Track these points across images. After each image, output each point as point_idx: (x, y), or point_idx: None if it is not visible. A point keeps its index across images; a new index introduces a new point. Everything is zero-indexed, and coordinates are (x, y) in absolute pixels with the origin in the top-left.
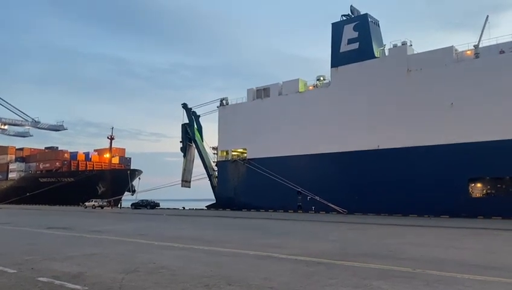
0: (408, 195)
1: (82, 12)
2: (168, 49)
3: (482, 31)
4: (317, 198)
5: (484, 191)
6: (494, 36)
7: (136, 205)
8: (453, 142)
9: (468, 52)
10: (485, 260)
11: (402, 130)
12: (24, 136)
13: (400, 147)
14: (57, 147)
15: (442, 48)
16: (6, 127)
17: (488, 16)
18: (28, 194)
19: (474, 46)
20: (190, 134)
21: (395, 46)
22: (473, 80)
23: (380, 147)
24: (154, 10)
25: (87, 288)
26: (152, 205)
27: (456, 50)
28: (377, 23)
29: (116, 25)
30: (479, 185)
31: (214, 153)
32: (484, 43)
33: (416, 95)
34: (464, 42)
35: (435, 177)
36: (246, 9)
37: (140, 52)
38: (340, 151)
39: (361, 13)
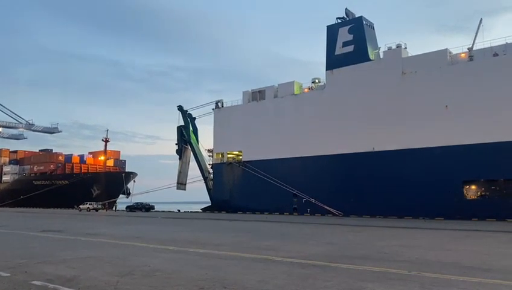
0: (403, 197)
1: (76, 15)
2: (162, 51)
3: (476, 34)
4: (313, 200)
5: (478, 193)
6: (488, 39)
7: (131, 208)
8: (448, 145)
9: (463, 54)
10: (479, 262)
11: (397, 133)
12: (18, 139)
13: (394, 149)
14: (52, 150)
15: (437, 51)
16: (0, 129)
17: (481, 19)
18: (22, 197)
19: (468, 49)
20: (186, 136)
21: (389, 48)
22: (467, 83)
23: (375, 149)
24: (148, 12)
25: None
26: (147, 207)
27: (450, 53)
28: (371, 26)
29: (110, 27)
30: (473, 187)
31: (210, 156)
32: (478, 46)
33: (411, 97)
34: (458, 45)
35: (429, 180)
36: (242, 12)
37: (134, 55)
38: (335, 153)
39: (356, 16)
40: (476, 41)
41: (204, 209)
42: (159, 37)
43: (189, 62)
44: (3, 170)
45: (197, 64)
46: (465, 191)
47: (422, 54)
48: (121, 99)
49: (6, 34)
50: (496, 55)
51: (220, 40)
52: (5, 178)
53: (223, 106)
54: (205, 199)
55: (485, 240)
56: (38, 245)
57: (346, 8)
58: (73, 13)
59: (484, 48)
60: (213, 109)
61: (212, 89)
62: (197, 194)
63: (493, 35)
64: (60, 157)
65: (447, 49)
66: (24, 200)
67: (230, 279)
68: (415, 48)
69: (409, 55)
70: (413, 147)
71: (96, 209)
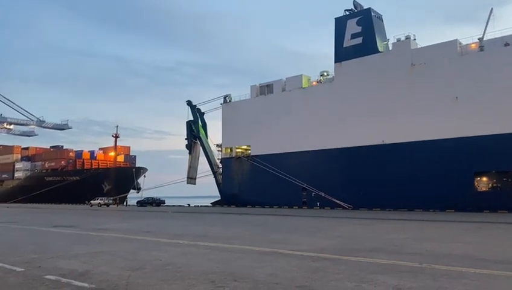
0: (413, 190)
1: (85, 12)
2: (170, 47)
3: (487, 24)
4: (322, 194)
5: (490, 184)
6: (498, 29)
7: (142, 203)
8: (458, 136)
9: (473, 45)
10: (491, 254)
11: (406, 125)
12: (29, 136)
13: (404, 141)
14: (62, 146)
15: (446, 42)
16: (11, 126)
17: (492, 9)
18: (36, 193)
19: (478, 39)
20: (195, 131)
21: (398, 40)
22: (477, 73)
23: (385, 142)
24: (155, 9)
25: (94, 286)
26: (157, 202)
27: (460, 43)
28: (380, 18)
29: (118, 24)
30: (484, 178)
31: (218, 150)
32: (489, 36)
33: (421, 89)
34: (468, 36)
35: (440, 172)
36: (248, 6)
37: (142, 51)
38: (344, 146)
39: (365, 8)
40: (487, 31)
41: (213, 204)
42: (165, 33)
43: (195, 57)
44: (16, 166)
45: (204, 59)
46: (476, 183)
47: (432, 45)
48: (129, 95)
49: (15, 32)
50: (507, 44)
51: (226, 35)
52: (17, 175)
53: (231, 101)
54: (215, 193)
55: (497, 232)
56: (51, 240)
57: (354, 0)
58: (81, 11)
59: (495, 38)
60: (221, 104)
61: (220, 83)
62: (207, 188)
63: (504, 25)
64: (71, 154)
65: (456, 39)
66: (36, 196)
67: (241, 272)
68: (424, 39)
69: (418, 46)
70: (423, 139)
71: (107, 205)
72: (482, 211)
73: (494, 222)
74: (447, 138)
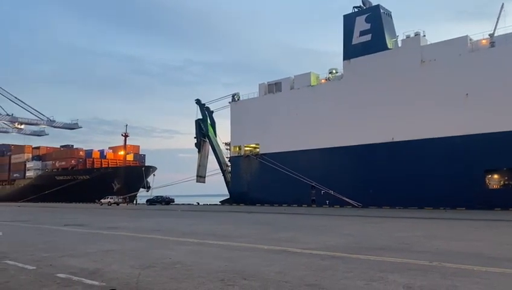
0: (423, 187)
1: (94, 11)
2: (178, 46)
3: (498, 20)
4: (331, 192)
5: (501, 182)
6: (509, 24)
7: (151, 201)
8: (469, 133)
9: (484, 41)
10: (502, 252)
11: (416, 122)
12: (40, 135)
13: (414, 139)
14: (72, 145)
15: (456, 38)
16: (22, 126)
17: (503, 4)
18: (46, 192)
19: (489, 35)
20: (204, 130)
21: (408, 37)
22: (488, 70)
23: (395, 140)
24: (164, 8)
25: (104, 284)
26: (167, 201)
27: (470, 39)
28: (389, 14)
29: (127, 23)
30: (495, 176)
31: (227, 149)
32: (500, 32)
33: (430, 86)
34: (478, 32)
35: (450, 169)
36: (256, 4)
37: (151, 50)
38: (353, 144)
39: (373, 4)
40: (498, 26)
41: (222, 202)
42: (173, 32)
43: (204, 56)
44: (27, 166)
45: (212, 58)
46: (487, 181)
47: (442, 41)
48: (138, 94)
49: (25, 31)
50: None
51: (234, 34)
52: (28, 174)
53: (239, 99)
54: (224, 191)
55: (508, 229)
56: (62, 239)
57: None
58: (91, 10)
59: (506, 34)
60: (230, 102)
61: (228, 82)
62: (216, 187)
63: None
64: (81, 153)
65: (467, 36)
66: (47, 195)
67: (250, 270)
68: (434, 35)
69: (428, 43)
70: (433, 137)
71: (117, 203)
72: (493, 209)
73: (506, 220)
74: (458, 135)
